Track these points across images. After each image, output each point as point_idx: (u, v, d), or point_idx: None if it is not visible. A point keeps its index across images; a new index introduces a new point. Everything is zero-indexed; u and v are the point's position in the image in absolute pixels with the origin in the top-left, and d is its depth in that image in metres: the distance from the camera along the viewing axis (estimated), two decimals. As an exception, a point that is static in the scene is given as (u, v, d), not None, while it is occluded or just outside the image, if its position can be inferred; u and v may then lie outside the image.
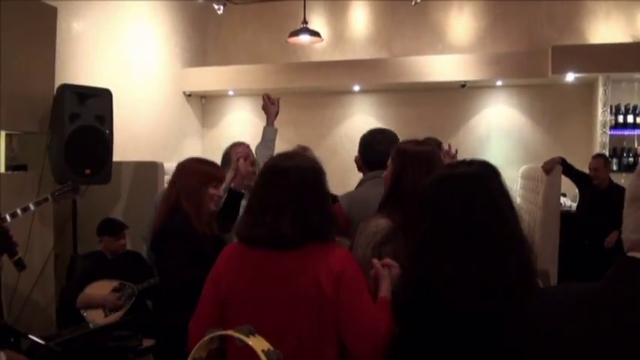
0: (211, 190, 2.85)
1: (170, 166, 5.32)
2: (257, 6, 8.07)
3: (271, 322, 1.85)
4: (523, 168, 6.58)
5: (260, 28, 8.12)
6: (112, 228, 4.36)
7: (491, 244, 1.77)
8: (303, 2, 6.32)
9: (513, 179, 6.79)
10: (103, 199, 5.23)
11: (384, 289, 1.97)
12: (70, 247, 4.80)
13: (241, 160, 3.33)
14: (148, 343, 3.61)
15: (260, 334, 1.27)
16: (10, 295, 4.25)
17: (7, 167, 5.01)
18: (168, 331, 2.81)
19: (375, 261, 2.05)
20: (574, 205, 6.17)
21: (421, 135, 4.40)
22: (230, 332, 1.25)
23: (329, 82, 7.35)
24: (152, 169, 5.38)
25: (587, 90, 6.86)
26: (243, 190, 3.26)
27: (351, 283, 1.89)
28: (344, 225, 2.58)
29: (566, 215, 5.26)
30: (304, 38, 6.40)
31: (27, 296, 4.44)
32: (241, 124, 8.11)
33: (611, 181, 5.67)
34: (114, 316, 4.02)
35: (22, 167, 4.92)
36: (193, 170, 2.87)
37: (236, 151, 3.53)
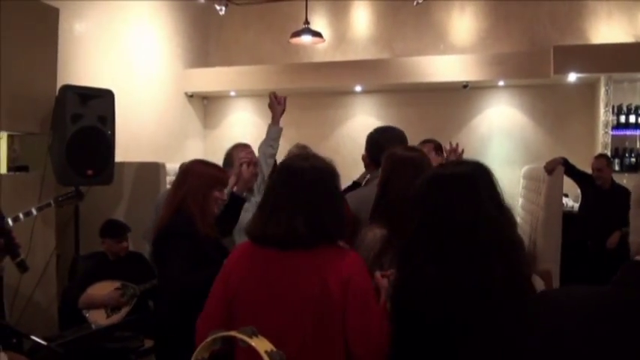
0: (216, 193, 2.89)
1: (172, 166, 5.34)
2: (259, 7, 8.07)
3: (276, 322, 1.86)
4: (525, 168, 6.56)
5: (262, 28, 8.12)
6: (114, 230, 4.36)
7: (475, 246, 1.76)
8: (305, 3, 6.32)
9: (515, 179, 6.78)
10: (105, 199, 5.23)
11: (383, 300, 1.98)
12: (72, 248, 4.80)
13: (244, 166, 3.35)
14: (149, 343, 3.61)
15: (265, 334, 1.27)
16: (12, 295, 4.25)
17: (9, 168, 5.01)
18: (167, 331, 2.82)
19: (377, 273, 2.05)
20: (576, 206, 6.16)
21: (423, 135, 4.41)
22: (233, 333, 1.25)
23: (331, 83, 7.34)
24: (154, 169, 5.39)
25: (589, 90, 6.85)
26: (244, 194, 3.29)
27: (359, 289, 1.88)
28: (352, 225, 2.58)
29: (568, 215, 5.25)
30: (306, 39, 6.40)
31: (29, 297, 4.44)
32: (243, 125, 8.11)
33: (613, 182, 5.66)
34: (116, 317, 4.01)
35: (24, 168, 4.92)
36: (201, 172, 2.90)
37: (239, 155, 3.54)
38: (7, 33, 4.28)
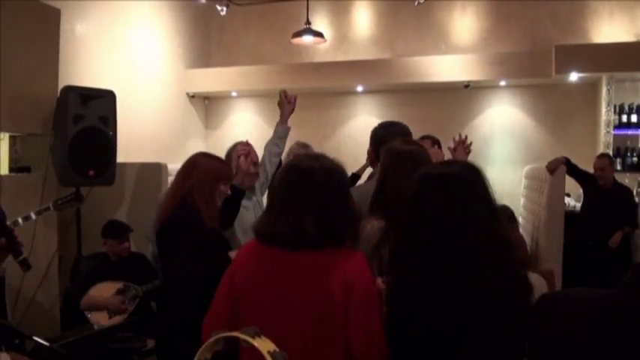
0: (222, 187, 2.93)
1: (174, 167, 5.32)
2: (260, 7, 8.07)
3: (279, 322, 1.85)
4: (527, 168, 6.56)
5: (263, 29, 8.12)
6: (115, 231, 4.36)
7: (463, 247, 1.76)
8: (306, 3, 6.33)
9: (517, 179, 6.78)
10: (106, 200, 5.23)
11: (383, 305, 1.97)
12: (74, 249, 4.80)
13: (242, 158, 3.36)
14: (152, 344, 3.60)
15: (268, 334, 1.27)
16: (14, 296, 4.25)
17: (11, 169, 5.02)
18: (169, 332, 2.82)
19: (377, 280, 2.05)
20: (578, 205, 6.15)
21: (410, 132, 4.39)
22: (236, 333, 1.25)
23: (332, 83, 7.34)
24: (156, 170, 5.39)
25: (590, 90, 6.84)
26: (244, 188, 3.31)
27: (363, 291, 1.87)
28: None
29: (570, 215, 5.24)
30: (307, 39, 6.40)
31: (31, 298, 4.45)
32: (245, 125, 8.12)
33: (615, 181, 5.66)
34: (118, 318, 4.01)
35: (26, 169, 4.92)
36: (208, 166, 2.93)
37: (236, 148, 3.56)
38: (9, 34, 4.28)
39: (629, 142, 6.49)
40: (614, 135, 6.34)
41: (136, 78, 6.79)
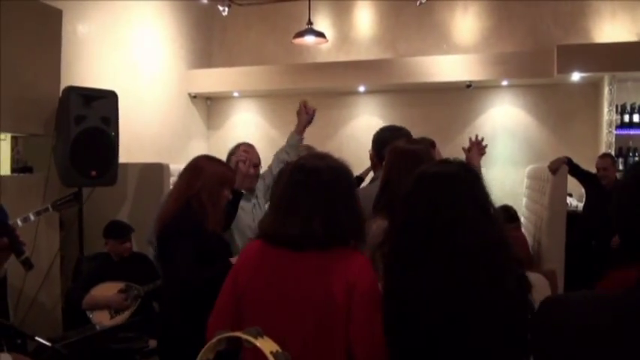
0: (226, 191, 2.94)
1: (176, 167, 5.33)
2: (262, 7, 8.06)
3: (281, 322, 1.85)
4: (529, 168, 6.56)
5: (265, 29, 8.12)
6: (117, 231, 4.37)
7: (453, 248, 1.75)
8: (308, 3, 6.32)
9: (519, 179, 6.77)
10: (108, 200, 5.23)
11: None
12: (76, 249, 4.81)
13: (241, 163, 3.39)
14: (154, 344, 3.61)
15: (270, 334, 1.27)
16: (16, 296, 4.25)
17: (13, 169, 5.02)
18: (171, 332, 2.82)
19: (379, 284, 2.05)
20: (580, 205, 6.14)
21: (426, 135, 4.39)
22: (238, 334, 1.25)
23: (334, 83, 7.34)
24: (158, 170, 5.39)
25: (592, 89, 6.84)
26: (243, 191, 3.34)
27: (365, 292, 1.86)
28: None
29: (572, 215, 5.23)
30: (309, 39, 6.40)
31: (33, 298, 4.45)
32: (246, 126, 8.12)
33: (617, 181, 5.64)
34: (120, 318, 4.02)
35: (28, 169, 4.93)
36: (215, 170, 2.94)
37: (237, 152, 3.58)
38: (11, 34, 4.29)
39: (631, 142, 6.48)
40: (616, 135, 6.33)
41: (137, 78, 6.79)
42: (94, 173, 4.67)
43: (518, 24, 7.16)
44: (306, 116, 3.77)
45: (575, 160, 5.35)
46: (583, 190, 5.93)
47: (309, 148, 4.92)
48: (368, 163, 5.56)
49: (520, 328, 1.67)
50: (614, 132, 6.32)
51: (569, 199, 5.92)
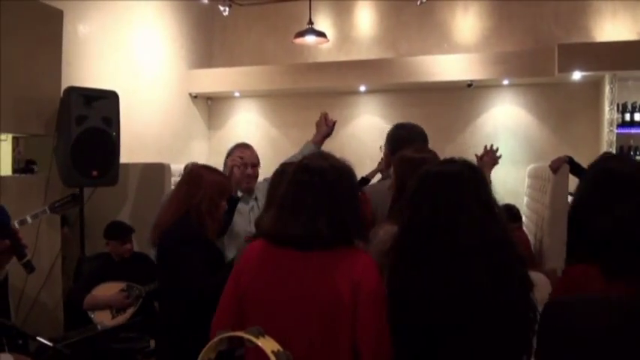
0: (224, 202, 2.96)
1: (177, 167, 5.34)
2: (262, 7, 8.06)
3: (285, 322, 1.85)
4: (530, 167, 6.54)
5: (265, 29, 8.12)
6: (117, 232, 4.37)
7: (455, 247, 1.75)
8: (308, 3, 6.32)
9: (520, 178, 6.76)
10: (110, 200, 5.23)
11: None
12: (78, 249, 4.81)
13: (235, 168, 3.38)
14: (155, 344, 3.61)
15: (274, 334, 1.27)
16: (17, 297, 4.26)
17: (15, 170, 5.02)
18: (172, 333, 2.82)
19: None
20: (581, 204, 6.13)
21: (428, 135, 4.39)
22: (240, 333, 1.25)
23: (335, 83, 7.33)
24: (159, 170, 5.39)
25: (593, 88, 6.83)
26: (239, 194, 3.34)
27: (370, 291, 1.87)
28: (369, 220, 2.56)
29: (573, 214, 5.22)
30: (310, 39, 6.40)
31: (35, 298, 4.45)
32: (247, 126, 8.11)
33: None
34: (121, 318, 4.02)
35: (30, 170, 4.93)
36: (215, 180, 2.95)
37: (232, 155, 3.57)
38: (12, 35, 4.29)
39: (632, 141, 6.47)
40: (618, 134, 6.32)
41: (138, 79, 6.79)
42: (95, 173, 4.67)
43: (518, 23, 7.15)
44: (326, 128, 3.72)
45: (576, 159, 5.33)
46: (584, 190, 5.91)
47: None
48: (369, 163, 5.60)
49: (522, 327, 1.67)
50: (615, 131, 6.31)
51: (570, 199, 5.91)
